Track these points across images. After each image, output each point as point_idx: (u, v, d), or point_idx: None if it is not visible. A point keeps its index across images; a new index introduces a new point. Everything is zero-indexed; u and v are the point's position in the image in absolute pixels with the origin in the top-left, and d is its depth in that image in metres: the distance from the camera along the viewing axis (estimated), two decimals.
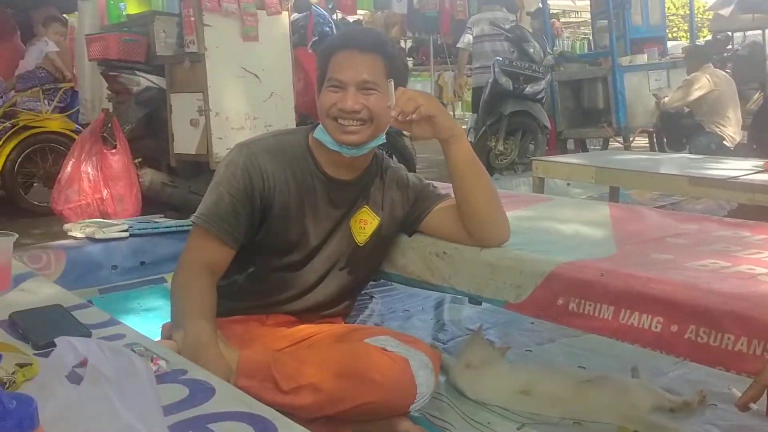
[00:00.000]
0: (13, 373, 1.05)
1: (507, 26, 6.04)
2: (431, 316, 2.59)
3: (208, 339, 1.44)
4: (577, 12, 18.17)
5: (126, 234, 2.98)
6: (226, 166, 1.69)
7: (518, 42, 5.86)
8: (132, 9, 3.80)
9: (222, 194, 1.64)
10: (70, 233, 3.07)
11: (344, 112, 1.60)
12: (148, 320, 2.45)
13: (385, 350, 1.56)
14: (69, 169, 3.47)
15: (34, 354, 1.15)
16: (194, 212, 1.69)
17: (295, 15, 4.15)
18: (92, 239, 2.94)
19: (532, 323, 2.40)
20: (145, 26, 3.49)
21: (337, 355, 1.54)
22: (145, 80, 3.62)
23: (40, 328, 1.24)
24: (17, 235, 1.54)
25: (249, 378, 1.44)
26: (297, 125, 3.65)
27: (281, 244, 1.72)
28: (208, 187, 1.72)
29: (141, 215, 3.54)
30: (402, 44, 10.81)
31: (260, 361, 1.51)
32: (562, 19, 17.41)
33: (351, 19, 8.61)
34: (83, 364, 0.72)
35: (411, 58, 11.06)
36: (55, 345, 1.14)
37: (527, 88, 5.67)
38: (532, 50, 5.79)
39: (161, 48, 3.37)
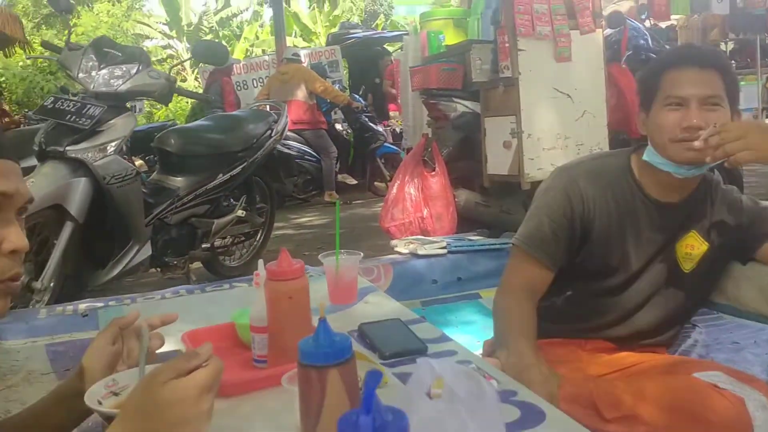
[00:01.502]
0: None
1: None
2: (766, 351, 2.33)
3: (532, 360, 1.48)
4: None
5: (445, 251, 3.16)
6: (546, 191, 1.73)
7: None
8: (450, 39, 4.06)
9: (542, 218, 1.69)
10: (395, 249, 3.35)
11: (690, 129, 1.54)
12: (465, 333, 2.57)
13: (717, 387, 1.46)
14: (395, 190, 3.81)
15: (381, 363, 1.29)
16: (505, 230, 1.76)
17: (608, 31, 4.06)
18: (415, 255, 3.17)
19: None
20: (462, 55, 3.69)
21: (666, 388, 1.48)
22: (461, 106, 3.83)
23: (384, 340, 1.38)
24: (362, 254, 1.75)
25: (571, 403, 1.45)
26: (609, 142, 3.57)
27: (601, 267, 1.71)
28: (528, 211, 1.77)
29: (456, 233, 3.73)
30: (722, 47, 9.91)
31: (582, 386, 1.51)
32: None
33: (663, 24, 8.13)
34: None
35: (734, 61, 10.07)
36: (399, 356, 1.30)
37: None
38: None
39: (476, 74, 3.53)
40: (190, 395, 0.83)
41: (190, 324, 1.49)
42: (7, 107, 11.14)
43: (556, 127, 3.37)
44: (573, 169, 1.73)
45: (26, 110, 11.98)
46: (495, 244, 3.20)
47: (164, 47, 22.56)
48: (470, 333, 2.58)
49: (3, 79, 13.48)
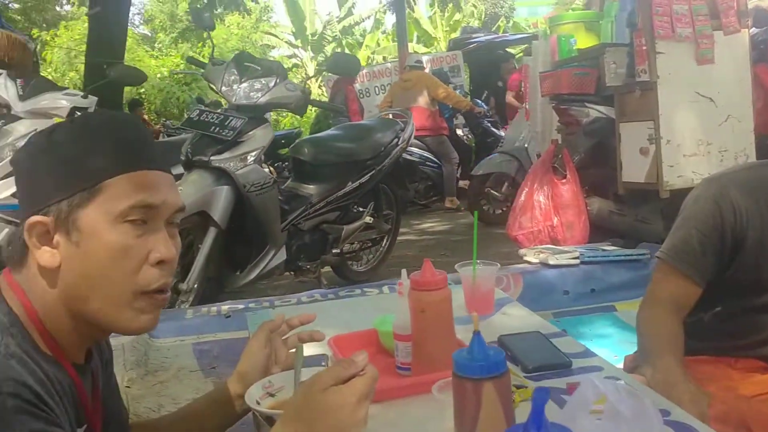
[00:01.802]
0: (512, 392, 1.19)
1: None
2: None
3: (680, 378, 1.42)
4: None
5: (577, 261, 3.09)
6: (695, 201, 1.66)
7: None
8: (581, 43, 3.97)
9: (690, 230, 1.62)
10: (525, 258, 3.32)
11: None
12: (601, 347, 2.50)
13: None
14: (523, 197, 3.76)
15: (525, 377, 1.28)
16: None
17: (754, 30, 3.83)
18: (546, 264, 3.12)
19: None
20: (595, 59, 3.60)
21: None
22: (593, 111, 3.74)
23: (527, 353, 1.37)
24: (499, 265, 1.74)
25: (722, 423, 1.38)
26: (756, 147, 3.37)
27: (753, 282, 1.61)
28: (675, 222, 1.71)
29: (587, 242, 3.64)
30: None
31: (733, 405, 1.45)
32: None
33: None
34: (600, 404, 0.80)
35: None
36: (542, 370, 1.29)
37: None
38: None
39: (611, 79, 3.43)
40: (348, 402, 0.86)
41: (327, 329, 1.54)
42: (146, 117, 11.93)
43: (697, 132, 3.23)
44: (724, 178, 1.65)
45: (164, 119, 12.75)
46: (631, 254, 3.10)
47: (289, 56, 23.39)
48: (606, 347, 2.51)
49: (143, 90, 14.39)
